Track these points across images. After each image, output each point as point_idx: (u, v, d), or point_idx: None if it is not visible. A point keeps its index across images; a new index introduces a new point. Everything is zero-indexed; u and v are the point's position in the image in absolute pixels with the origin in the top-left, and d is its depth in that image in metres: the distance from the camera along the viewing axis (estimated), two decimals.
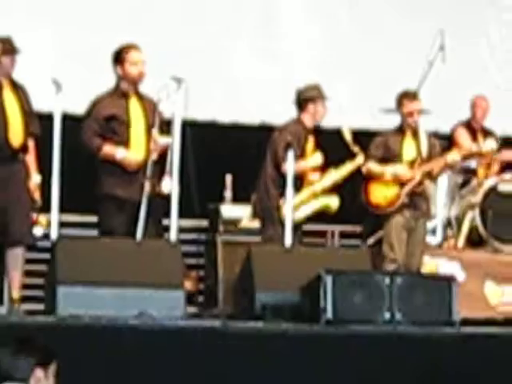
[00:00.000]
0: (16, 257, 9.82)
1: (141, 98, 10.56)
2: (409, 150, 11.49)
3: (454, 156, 11.53)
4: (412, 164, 11.35)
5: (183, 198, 10.33)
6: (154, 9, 14.12)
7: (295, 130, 11.09)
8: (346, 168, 11.18)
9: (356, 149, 11.23)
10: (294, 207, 10.63)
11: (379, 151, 11.47)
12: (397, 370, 8.55)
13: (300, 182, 10.82)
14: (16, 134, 9.72)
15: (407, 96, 11.57)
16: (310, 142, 11.24)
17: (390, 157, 11.44)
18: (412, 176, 11.31)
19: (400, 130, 11.59)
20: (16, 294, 9.80)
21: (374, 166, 11.34)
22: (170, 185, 10.05)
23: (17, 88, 9.96)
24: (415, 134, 11.54)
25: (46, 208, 10.12)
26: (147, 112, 10.42)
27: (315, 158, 11.14)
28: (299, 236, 11.13)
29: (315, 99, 11.20)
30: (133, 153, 10.37)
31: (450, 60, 12.54)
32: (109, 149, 10.23)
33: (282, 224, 10.77)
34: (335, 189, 11.36)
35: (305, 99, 11.22)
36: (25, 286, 10.09)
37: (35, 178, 10.00)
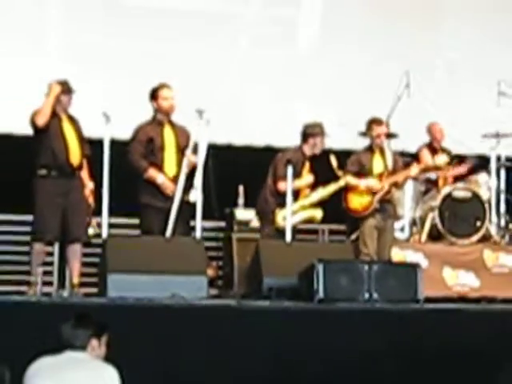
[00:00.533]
0: (75, 251, 10.23)
1: (173, 125, 10.85)
2: (377, 165, 11.76)
3: (414, 169, 11.77)
4: (380, 176, 11.60)
5: (206, 204, 10.48)
6: (182, 54, 14.18)
7: (295, 156, 11.32)
8: (331, 188, 11.41)
9: (340, 173, 11.41)
10: (288, 215, 10.79)
11: (354, 167, 11.71)
12: (374, 338, 8.72)
13: (296, 195, 11.01)
14: (74, 155, 10.10)
15: (375, 122, 11.80)
16: (306, 167, 11.48)
17: (363, 171, 11.68)
18: (381, 186, 11.52)
19: (370, 149, 11.87)
20: (75, 280, 10.17)
21: (350, 179, 11.52)
22: (196, 195, 10.31)
23: (73, 120, 10.33)
24: (382, 152, 11.81)
25: (98, 212, 10.34)
26: (178, 137, 10.74)
27: (307, 179, 11.41)
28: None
29: (316, 135, 11.43)
30: (168, 174, 10.66)
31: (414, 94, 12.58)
32: (152, 173, 10.54)
33: (276, 226, 11.16)
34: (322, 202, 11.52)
35: (308, 133, 11.47)
36: (82, 274, 10.29)
37: (89, 185, 10.47)
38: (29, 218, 10.53)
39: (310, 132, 11.52)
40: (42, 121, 9.99)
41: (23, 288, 10.85)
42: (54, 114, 10.26)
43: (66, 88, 10.29)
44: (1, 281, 11.65)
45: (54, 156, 10.13)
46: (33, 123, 10.14)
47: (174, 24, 14.67)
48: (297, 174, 11.16)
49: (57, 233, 10.10)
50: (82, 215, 10.33)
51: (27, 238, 10.73)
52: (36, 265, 10.48)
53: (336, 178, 11.50)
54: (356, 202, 11.65)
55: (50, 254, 10.98)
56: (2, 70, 13.31)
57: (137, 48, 14.24)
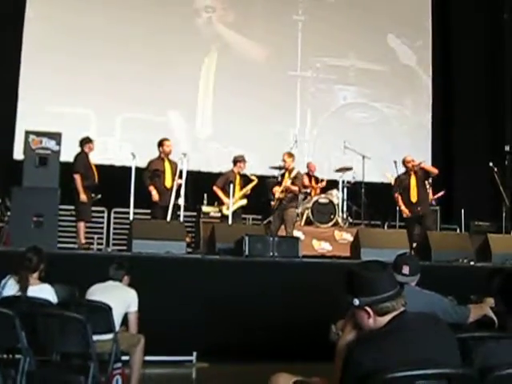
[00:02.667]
0: None
1: (170, 161, 10.75)
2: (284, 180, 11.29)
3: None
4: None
5: (188, 204, 10.68)
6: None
7: (230, 174, 11.23)
8: (248, 187, 11.28)
9: (253, 177, 11.31)
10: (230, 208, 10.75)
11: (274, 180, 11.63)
12: (274, 277, 8.64)
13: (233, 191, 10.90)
14: None
15: (285, 154, 11.37)
16: (237, 179, 11.25)
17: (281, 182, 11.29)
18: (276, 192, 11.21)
19: (286, 170, 11.30)
20: None
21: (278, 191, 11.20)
22: (181, 200, 10.43)
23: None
24: (289, 172, 11.24)
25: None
26: (172, 167, 10.66)
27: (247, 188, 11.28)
28: (237, 217, 11.08)
29: (240, 161, 11.25)
30: (167, 186, 10.60)
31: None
32: (152, 190, 10.49)
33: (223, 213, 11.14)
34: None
35: (236, 160, 11.27)
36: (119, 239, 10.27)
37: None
38: None
39: (238, 160, 11.32)
40: None
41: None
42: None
43: None
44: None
45: None
46: None
47: None
48: (233, 184, 10.98)
49: None
50: None
51: None
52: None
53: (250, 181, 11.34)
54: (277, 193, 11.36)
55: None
56: None
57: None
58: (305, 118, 14.78)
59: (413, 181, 11.08)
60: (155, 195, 10.50)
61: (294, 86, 14.65)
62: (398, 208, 11.57)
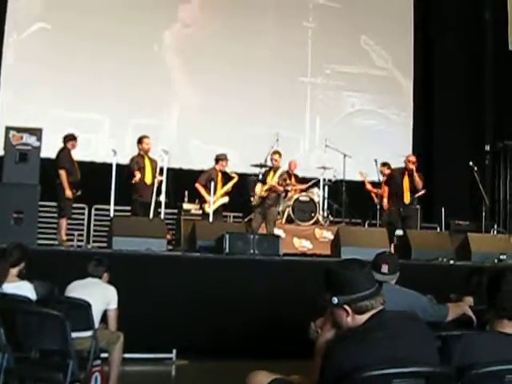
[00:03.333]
0: None
1: (150, 158, 10.81)
2: (270, 178, 11.47)
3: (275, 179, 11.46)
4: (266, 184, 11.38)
5: (169, 201, 10.69)
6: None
7: (212, 172, 11.26)
8: (229, 185, 11.32)
9: (234, 175, 11.33)
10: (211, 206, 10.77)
11: (255, 178, 11.67)
12: (254, 274, 8.67)
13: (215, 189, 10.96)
14: None
15: (275, 153, 11.54)
16: (219, 176, 11.29)
17: (264, 180, 11.45)
18: (261, 191, 11.35)
19: (271, 169, 11.58)
20: None
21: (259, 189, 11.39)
22: (162, 197, 10.43)
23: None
24: (275, 171, 11.45)
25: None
26: (152, 164, 10.71)
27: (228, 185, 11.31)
28: (218, 215, 11.09)
29: (223, 159, 11.25)
30: (147, 182, 10.63)
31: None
32: (136, 174, 10.51)
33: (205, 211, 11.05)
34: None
35: (217, 158, 11.29)
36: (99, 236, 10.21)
37: None
38: None
39: (220, 158, 11.32)
40: None
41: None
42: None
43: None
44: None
45: None
46: None
47: None
48: (214, 182, 11.01)
49: None
50: None
51: None
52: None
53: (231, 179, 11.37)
54: (259, 191, 11.49)
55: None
56: None
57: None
58: (314, 124, 14.94)
59: (406, 181, 11.15)
60: (137, 178, 10.54)
61: (303, 91, 14.87)
62: (378, 206, 11.74)
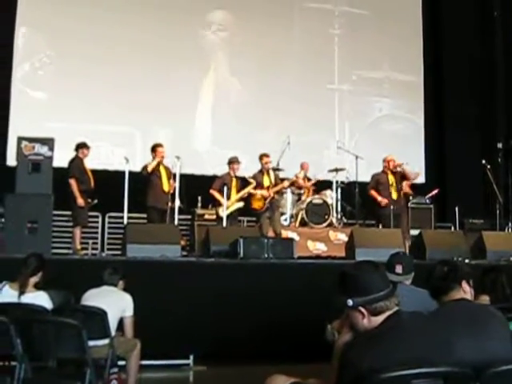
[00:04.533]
0: None
1: (164, 165, 10.85)
2: (266, 180, 11.52)
3: (286, 183, 11.68)
4: (268, 188, 11.40)
5: (183, 207, 10.70)
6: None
7: (226, 177, 11.30)
8: (246, 190, 11.33)
9: (252, 180, 11.35)
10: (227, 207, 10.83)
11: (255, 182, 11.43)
12: (269, 278, 8.65)
13: (228, 197, 10.98)
14: None
15: (264, 155, 11.54)
16: (234, 181, 11.36)
17: (258, 185, 11.45)
18: (269, 194, 11.33)
19: (261, 172, 11.58)
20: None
21: (256, 192, 11.40)
22: (178, 202, 10.50)
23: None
24: (268, 173, 11.54)
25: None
26: (167, 171, 10.76)
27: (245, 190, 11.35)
28: (232, 220, 11.15)
29: (233, 162, 11.32)
30: (164, 189, 10.70)
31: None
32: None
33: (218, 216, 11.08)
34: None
35: (229, 162, 11.37)
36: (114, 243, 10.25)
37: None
38: None
39: (231, 161, 11.38)
40: None
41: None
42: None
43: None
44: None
45: None
46: None
47: None
48: (228, 187, 11.06)
49: None
50: None
51: None
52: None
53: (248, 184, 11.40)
54: (256, 204, 11.47)
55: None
56: None
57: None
58: (343, 130, 15.01)
59: (391, 179, 11.58)
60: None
61: (332, 98, 15.01)
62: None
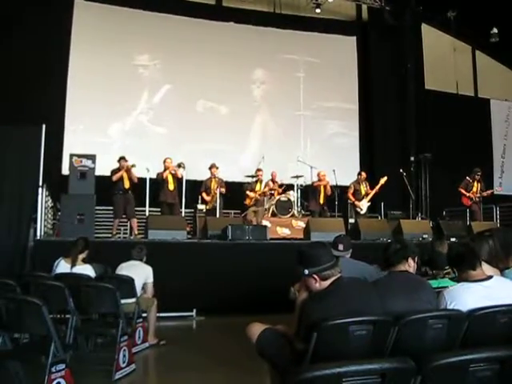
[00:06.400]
0: (134, 222, 10.04)
1: (170, 172, 10.45)
2: (257, 186, 11.42)
3: (266, 190, 11.50)
4: (256, 191, 11.34)
5: (186, 202, 10.64)
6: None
7: (207, 180, 11.01)
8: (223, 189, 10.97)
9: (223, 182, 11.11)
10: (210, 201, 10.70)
11: (249, 187, 11.43)
12: (250, 255, 8.54)
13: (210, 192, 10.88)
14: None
15: (258, 170, 11.47)
16: (213, 183, 10.97)
17: (252, 189, 11.38)
18: (256, 196, 11.30)
19: (257, 181, 11.48)
20: (135, 231, 10.00)
21: (249, 193, 11.35)
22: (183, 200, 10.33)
23: None
24: (260, 181, 11.43)
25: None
26: (174, 177, 10.45)
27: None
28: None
29: (212, 167, 11.01)
30: (170, 189, 10.39)
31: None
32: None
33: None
34: None
35: (210, 167, 11.05)
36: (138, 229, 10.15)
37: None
38: None
39: (210, 167, 11.09)
40: None
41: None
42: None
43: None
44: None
45: None
46: None
47: None
48: (208, 187, 11.02)
49: None
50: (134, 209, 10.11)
51: None
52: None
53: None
54: (247, 201, 11.43)
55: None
56: None
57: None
58: (306, 144, 15.14)
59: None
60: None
61: (298, 122, 15.20)
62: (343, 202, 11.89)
